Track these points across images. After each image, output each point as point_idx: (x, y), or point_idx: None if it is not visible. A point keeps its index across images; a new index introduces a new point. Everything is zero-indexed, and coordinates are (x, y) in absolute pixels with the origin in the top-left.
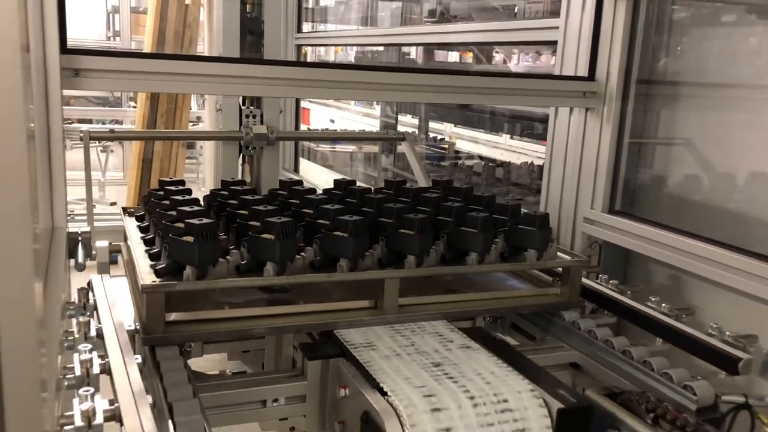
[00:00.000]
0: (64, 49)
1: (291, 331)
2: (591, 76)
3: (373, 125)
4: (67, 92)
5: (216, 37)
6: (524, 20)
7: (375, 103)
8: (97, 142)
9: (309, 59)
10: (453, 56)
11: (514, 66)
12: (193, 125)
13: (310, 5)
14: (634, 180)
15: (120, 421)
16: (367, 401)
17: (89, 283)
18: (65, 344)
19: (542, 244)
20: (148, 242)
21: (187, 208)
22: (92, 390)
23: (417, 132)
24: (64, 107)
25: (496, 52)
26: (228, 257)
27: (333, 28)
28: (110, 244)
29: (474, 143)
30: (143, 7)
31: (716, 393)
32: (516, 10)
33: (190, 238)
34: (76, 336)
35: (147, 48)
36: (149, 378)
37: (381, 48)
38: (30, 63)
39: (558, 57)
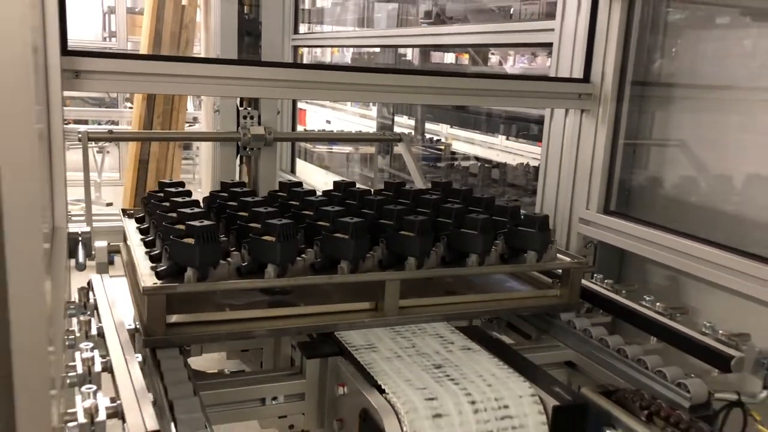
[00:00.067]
0: (65, 50)
1: (292, 333)
2: (586, 77)
3: (369, 126)
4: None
5: (214, 39)
6: (520, 22)
7: (371, 104)
8: (94, 143)
9: (305, 60)
10: (449, 57)
11: (509, 67)
12: (190, 126)
13: (307, 6)
14: (629, 181)
15: (122, 418)
16: (366, 399)
17: (89, 283)
18: (66, 343)
19: (542, 245)
20: (148, 244)
21: (187, 210)
22: (94, 387)
23: (413, 133)
24: None
25: (492, 53)
26: (229, 259)
27: (329, 30)
28: (108, 244)
29: (470, 144)
30: (139, 7)
31: (709, 391)
32: (512, 12)
33: (191, 240)
34: (77, 335)
35: (143, 49)
36: (149, 376)
37: (377, 49)
38: (39, 64)
39: (553, 59)
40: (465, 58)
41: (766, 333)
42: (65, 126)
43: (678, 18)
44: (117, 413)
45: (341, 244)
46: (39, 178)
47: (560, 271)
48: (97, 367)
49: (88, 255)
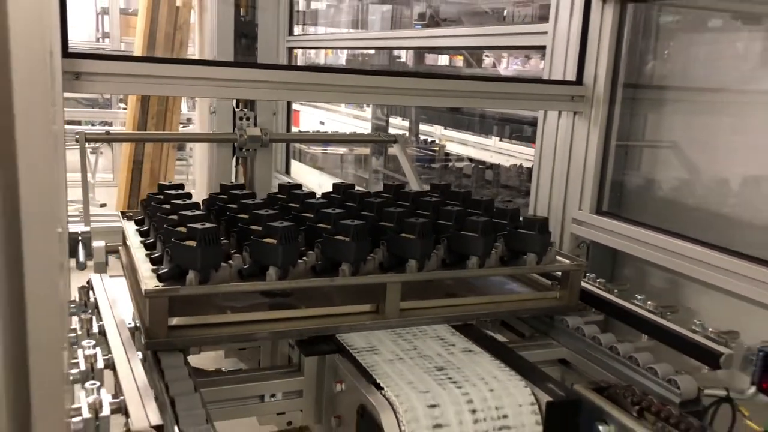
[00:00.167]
0: (66, 52)
1: (293, 336)
2: (579, 80)
3: (363, 127)
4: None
5: (210, 41)
6: (513, 25)
7: (365, 105)
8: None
9: (298, 61)
10: (443, 59)
11: (503, 69)
12: (183, 127)
13: (301, 8)
14: (621, 181)
15: (126, 413)
16: (363, 395)
17: (89, 282)
18: (68, 340)
19: (542, 248)
20: (148, 246)
21: (188, 213)
22: (98, 383)
23: (407, 134)
24: None
25: (486, 55)
26: (230, 262)
27: (323, 31)
28: (105, 244)
29: (464, 146)
30: (132, 8)
31: (699, 387)
32: (505, 14)
33: (192, 243)
34: (79, 332)
35: (137, 50)
36: (150, 374)
37: (372, 51)
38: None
39: (547, 61)
40: (459, 60)
41: (756, 331)
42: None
43: (669, 21)
44: (120, 409)
45: (342, 246)
46: (56, 179)
47: (559, 273)
48: (100, 364)
49: (89, 255)
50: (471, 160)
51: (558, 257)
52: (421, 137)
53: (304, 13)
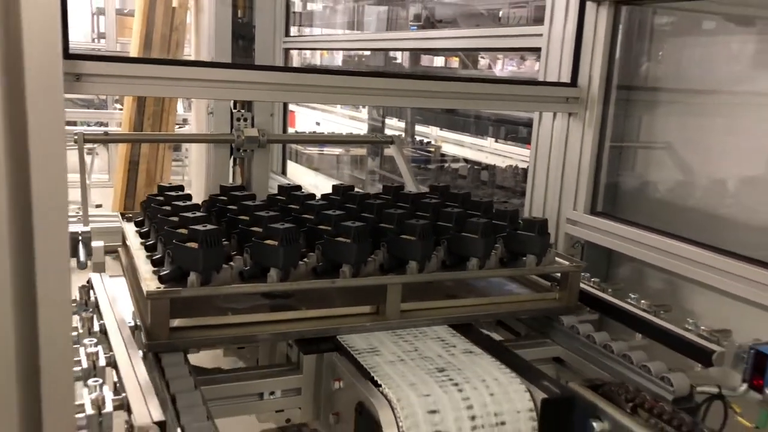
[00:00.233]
0: (66, 54)
1: (294, 337)
2: (573, 82)
3: (359, 128)
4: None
5: (207, 42)
6: (509, 27)
7: (361, 106)
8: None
9: (294, 62)
10: (439, 60)
11: (498, 71)
12: (180, 128)
13: (298, 9)
14: (615, 182)
15: (128, 409)
16: (362, 393)
17: (89, 281)
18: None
19: (541, 249)
20: (149, 248)
21: (189, 214)
22: (101, 380)
23: (403, 135)
24: None
25: (482, 57)
26: (231, 263)
27: (319, 32)
28: (104, 244)
29: (459, 146)
30: (128, 9)
31: (691, 384)
32: (500, 15)
33: (194, 245)
34: (80, 331)
35: (134, 50)
36: (151, 372)
37: (368, 51)
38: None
39: (542, 63)
40: (455, 61)
41: (748, 329)
42: None
43: (663, 24)
44: (122, 405)
45: (343, 248)
46: (66, 180)
47: (558, 274)
48: (102, 362)
49: (89, 254)
50: (467, 161)
51: (557, 258)
52: (417, 138)
53: (300, 14)
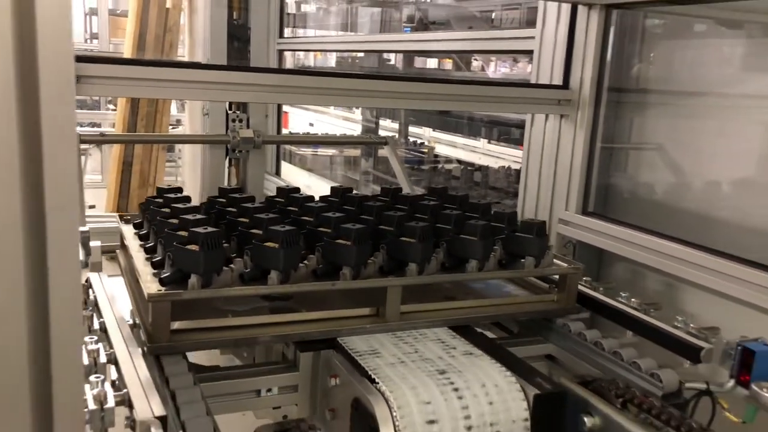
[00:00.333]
0: None
1: (295, 339)
2: (565, 84)
3: (352, 129)
4: None
5: (202, 43)
6: (502, 30)
7: (355, 107)
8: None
9: (287, 63)
10: (432, 62)
11: (491, 73)
12: (173, 128)
13: (292, 11)
14: (606, 183)
15: (129, 405)
16: (358, 389)
17: (87, 280)
18: None
19: (540, 251)
20: (148, 250)
21: (189, 217)
22: (102, 377)
23: (397, 136)
24: None
25: (475, 59)
26: (231, 266)
27: (313, 34)
28: (101, 244)
29: (453, 147)
30: (121, 9)
31: (680, 380)
32: (493, 17)
33: (195, 247)
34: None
35: (127, 51)
36: (151, 369)
37: (361, 53)
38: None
39: (534, 66)
40: (448, 63)
41: (735, 326)
42: None
43: (653, 27)
44: (124, 401)
45: (343, 250)
46: (77, 180)
47: (557, 276)
48: (102, 359)
49: (88, 254)
50: (460, 162)
51: (555, 260)
52: (411, 139)
53: (294, 15)
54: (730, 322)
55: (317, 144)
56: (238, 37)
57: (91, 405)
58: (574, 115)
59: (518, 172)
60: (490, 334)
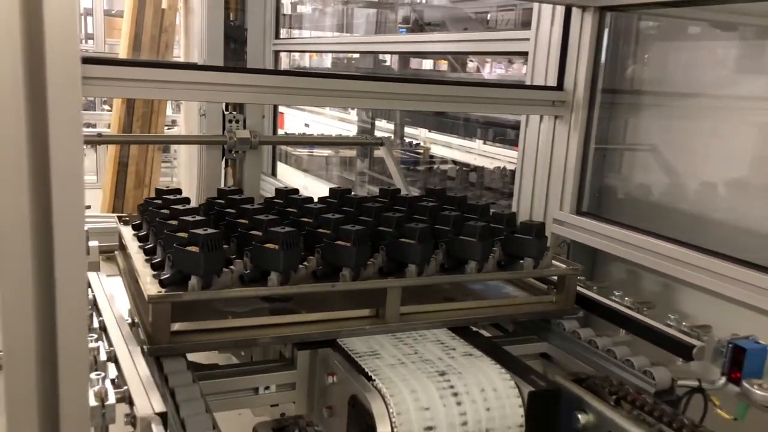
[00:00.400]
0: None
1: (295, 341)
2: (559, 85)
3: (348, 129)
4: None
5: (198, 44)
6: (497, 31)
7: (351, 108)
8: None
9: (282, 63)
10: (428, 63)
11: (487, 74)
12: (168, 129)
13: (287, 12)
14: (600, 183)
15: (130, 401)
16: (355, 386)
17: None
18: None
19: (539, 252)
20: (148, 251)
21: (189, 218)
22: (103, 374)
23: (393, 137)
24: None
25: (471, 60)
26: (231, 267)
27: (308, 35)
28: (98, 244)
29: (448, 148)
30: (116, 9)
31: (673, 377)
32: (489, 18)
33: (195, 248)
34: None
35: (122, 52)
36: (150, 368)
37: (357, 54)
38: None
39: (529, 67)
40: (444, 64)
41: (726, 324)
42: None
43: (647, 29)
44: (125, 398)
45: (343, 251)
46: (83, 181)
47: (555, 277)
48: (102, 357)
49: (87, 253)
50: (455, 162)
51: (554, 261)
52: (406, 140)
53: (290, 16)
54: (722, 321)
55: (313, 144)
56: (234, 38)
57: (92, 402)
58: (569, 116)
59: (513, 172)
60: (485, 333)
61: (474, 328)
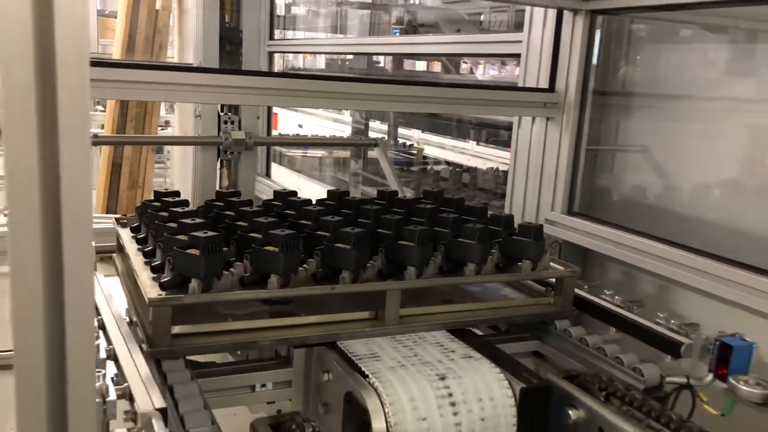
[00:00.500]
0: None
1: (295, 343)
2: (551, 87)
3: (342, 130)
4: None
5: (193, 45)
6: (489, 34)
7: (346, 109)
8: None
9: (276, 64)
10: (421, 64)
11: (480, 75)
12: (162, 129)
13: (282, 13)
14: (591, 184)
15: (130, 398)
16: (350, 383)
17: None
18: None
19: (537, 254)
20: (147, 254)
21: (189, 221)
22: (103, 371)
23: (386, 138)
24: None
25: (464, 61)
26: (231, 269)
27: (303, 36)
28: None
29: (441, 149)
30: (109, 10)
31: (661, 374)
32: (482, 19)
33: (195, 251)
34: None
35: (116, 53)
36: (149, 365)
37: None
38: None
39: (521, 69)
40: (437, 65)
41: (714, 322)
42: None
43: (638, 31)
44: (125, 394)
45: (343, 254)
46: (91, 182)
47: (553, 279)
48: (102, 354)
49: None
50: (448, 163)
51: (551, 264)
52: (400, 141)
53: (284, 17)
54: (712, 320)
55: (308, 145)
56: (229, 40)
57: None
58: (560, 117)
59: (506, 173)
60: (478, 332)
61: (468, 327)
